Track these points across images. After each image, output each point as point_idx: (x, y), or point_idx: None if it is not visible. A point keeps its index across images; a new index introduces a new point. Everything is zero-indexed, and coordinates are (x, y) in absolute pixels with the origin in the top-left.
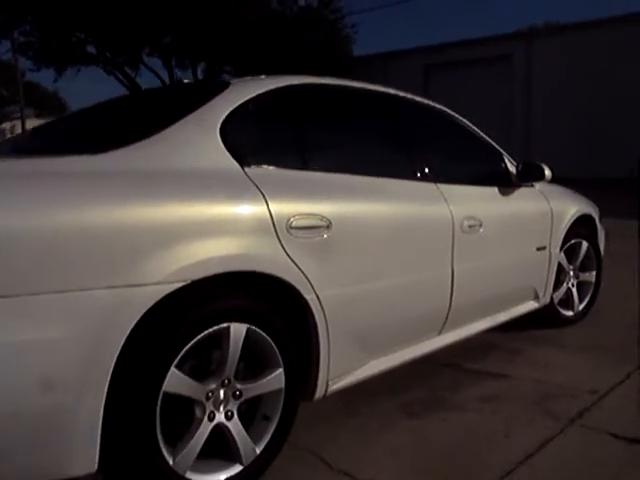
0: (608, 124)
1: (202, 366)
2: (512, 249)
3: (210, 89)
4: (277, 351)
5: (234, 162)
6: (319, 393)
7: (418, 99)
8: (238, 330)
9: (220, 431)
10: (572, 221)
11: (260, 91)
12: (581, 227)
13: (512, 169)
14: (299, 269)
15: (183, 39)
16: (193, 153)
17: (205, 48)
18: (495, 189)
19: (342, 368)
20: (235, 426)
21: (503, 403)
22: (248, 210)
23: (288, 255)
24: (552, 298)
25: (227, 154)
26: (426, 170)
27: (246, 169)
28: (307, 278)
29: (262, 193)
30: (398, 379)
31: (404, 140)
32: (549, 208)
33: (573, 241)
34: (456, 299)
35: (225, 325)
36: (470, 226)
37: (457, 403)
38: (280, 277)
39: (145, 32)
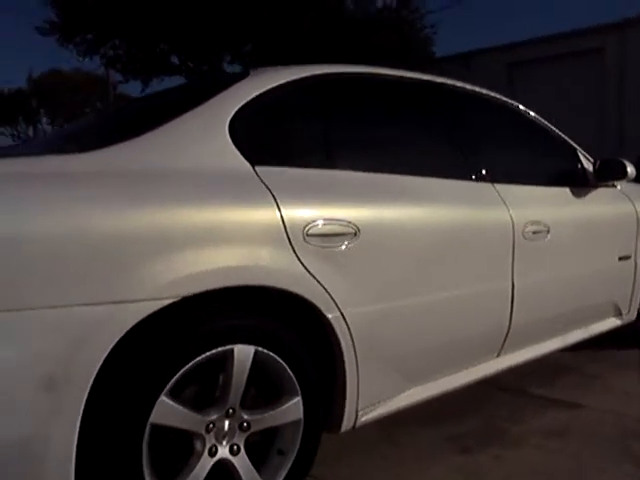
0: None
1: (204, 394)
2: (588, 259)
3: (226, 80)
4: (293, 377)
5: (244, 161)
6: (346, 424)
7: (472, 88)
8: (244, 353)
9: (225, 467)
10: None
11: (279, 82)
12: None
13: (588, 167)
14: (319, 283)
15: (263, 47)
16: (195, 151)
17: (283, 55)
18: (567, 190)
19: (375, 396)
20: (242, 462)
21: (572, 439)
22: (255, 215)
23: (305, 267)
24: (639, 315)
25: (236, 151)
26: (480, 168)
27: (257, 169)
28: (329, 294)
29: (273, 195)
30: (448, 405)
31: (453, 134)
32: (634, 211)
33: None
34: (517, 317)
35: (228, 347)
36: (534, 232)
37: (516, 437)
38: (295, 292)
39: (226, 41)
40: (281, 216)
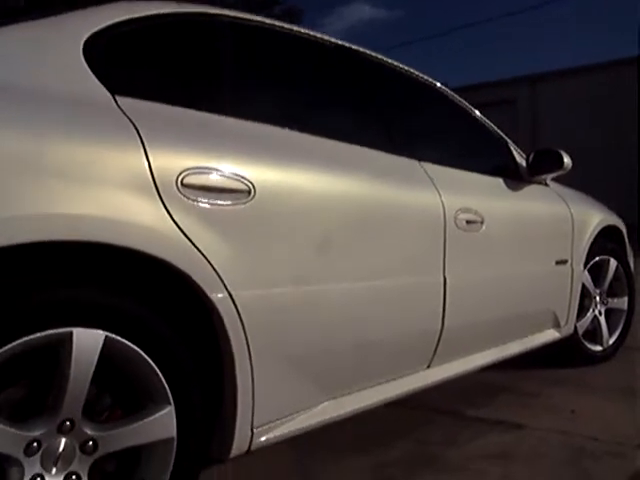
0: None
1: (25, 398)
2: (524, 258)
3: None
4: (162, 378)
5: (101, 87)
6: (238, 447)
7: (405, 68)
8: (87, 339)
9: None
10: (596, 232)
11: (151, 12)
12: (607, 241)
13: (521, 162)
14: (198, 250)
15: None
16: (38, 65)
17: None
18: (500, 181)
19: (276, 409)
20: None
21: (517, 463)
22: (110, 153)
23: (178, 225)
24: (576, 328)
25: (90, 73)
26: (404, 142)
27: (119, 99)
28: (213, 266)
29: (137, 130)
30: (372, 427)
31: (370, 102)
32: (569, 213)
33: (598, 258)
34: (451, 319)
35: (64, 330)
36: (468, 221)
37: (452, 463)
38: (162, 258)
39: None
40: (147, 157)
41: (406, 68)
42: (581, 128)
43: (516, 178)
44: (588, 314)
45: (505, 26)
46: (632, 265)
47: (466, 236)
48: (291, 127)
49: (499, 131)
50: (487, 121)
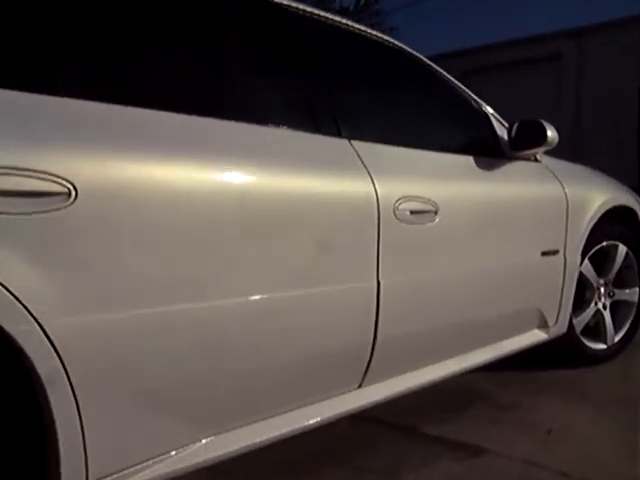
0: None
1: None
2: (497, 251)
3: None
4: None
5: None
6: None
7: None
8: None
9: None
10: (600, 214)
11: None
12: (615, 224)
13: (502, 135)
14: None
15: None
16: None
17: None
18: (470, 159)
19: (126, 457)
20: None
21: None
22: None
23: None
24: (573, 325)
25: None
26: (327, 117)
27: None
28: (7, 289)
29: None
30: (307, 451)
31: (268, 61)
32: (563, 193)
33: (604, 243)
34: (386, 330)
35: None
36: (413, 212)
37: None
38: None
39: None
40: None
41: (335, 18)
42: (632, 85)
43: (495, 155)
44: (590, 308)
45: None
46: None
47: (411, 230)
48: (137, 103)
49: (477, 99)
50: (460, 86)
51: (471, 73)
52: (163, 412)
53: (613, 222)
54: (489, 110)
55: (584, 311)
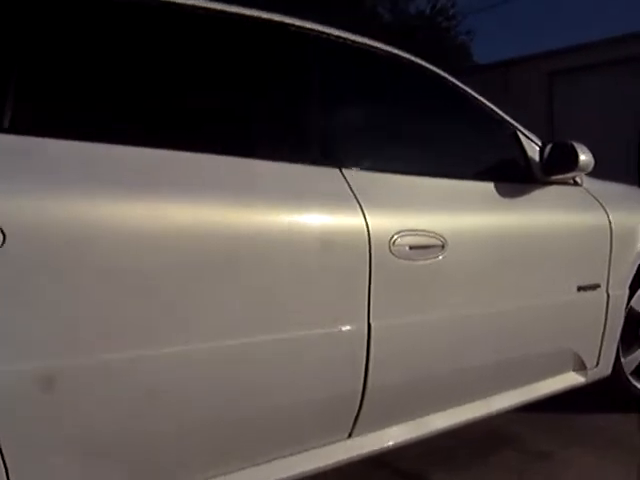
0: None
1: None
2: (520, 288)
3: None
4: None
5: None
6: None
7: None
8: None
9: None
10: None
11: None
12: None
13: (534, 156)
14: None
15: None
16: None
17: None
18: (491, 185)
19: None
20: None
21: None
22: None
23: None
24: (621, 366)
25: None
26: (315, 142)
27: None
28: None
29: None
30: None
31: (244, 81)
32: (606, 220)
33: None
34: (380, 376)
35: None
36: (414, 247)
37: None
38: None
39: None
40: None
41: (322, 28)
42: None
43: (525, 179)
44: None
45: None
46: None
47: (410, 267)
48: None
49: (503, 115)
50: (482, 102)
51: (556, 74)
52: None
53: None
54: (520, 128)
55: (636, 350)
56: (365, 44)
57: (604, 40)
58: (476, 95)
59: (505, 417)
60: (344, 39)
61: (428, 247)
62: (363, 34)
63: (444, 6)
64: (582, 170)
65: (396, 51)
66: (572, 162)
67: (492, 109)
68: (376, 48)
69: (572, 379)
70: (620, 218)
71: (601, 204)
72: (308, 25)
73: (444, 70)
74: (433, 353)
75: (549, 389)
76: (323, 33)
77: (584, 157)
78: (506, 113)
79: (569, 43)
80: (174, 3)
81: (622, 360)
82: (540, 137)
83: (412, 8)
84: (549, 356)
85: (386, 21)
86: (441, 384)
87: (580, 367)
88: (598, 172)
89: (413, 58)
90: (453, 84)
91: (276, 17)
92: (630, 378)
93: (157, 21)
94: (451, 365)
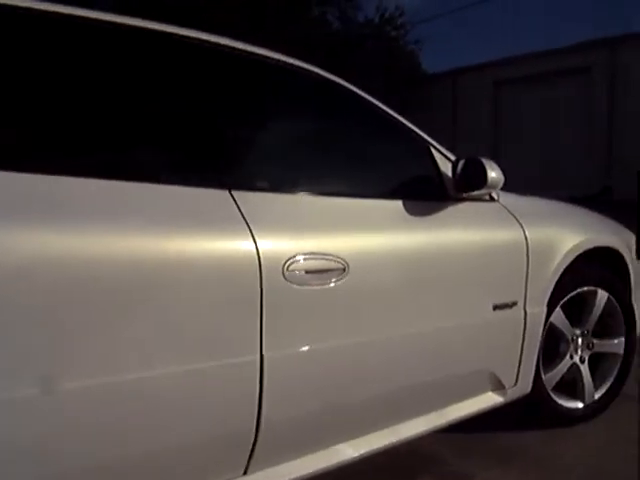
0: None
1: None
2: (429, 310)
3: None
4: None
5: None
6: None
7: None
8: None
9: None
10: (574, 258)
11: None
12: (595, 267)
13: (446, 171)
14: None
15: None
16: None
17: None
18: (399, 203)
19: None
20: None
21: None
22: None
23: None
24: (542, 382)
25: None
26: (199, 163)
27: None
28: None
29: None
30: None
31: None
32: (522, 236)
33: (582, 289)
34: (276, 409)
35: None
36: (311, 272)
37: None
38: None
39: None
40: None
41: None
42: None
43: (437, 196)
44: (562, 363)
45: None
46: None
47: (307, 293)
48: None
49: (416, 130)
50: (391, 115)
51: (502, 84)
52: None
53: (592, 265)
54: (433, 143)
55: (557, 366)
56: (255, 54)
57: (548, 51)
58: (385, 108)
59: (427, 437)
60: (231, 49)
61: (327, 271)
62: (312, 43)
63: (392, 15)
64: (491, 188)
65: (291, 60)
66: (481, 179)
67: (403, 123)
68: (266, 57)
69: (490, 399)
70: (537, 233)
71: (517, 219)
72: (192, 34)
73: (394, 78)
74: (335, 382)
75: (466, 411)
76: (206, 42)
77: (493, 174)
78: (453, 121)
79: (515, 53)
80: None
81: (543, 377)
82: (486, 145)
83: (361, 16)
84: (465, 377)
85: (335, 29)
86: (348, 413)
87: (498, 387)
88: (544, 178)
89: (312, 68)
90: (358, 95)
91: (156, 26)
92: (552, 394)
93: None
94: (358, 393)
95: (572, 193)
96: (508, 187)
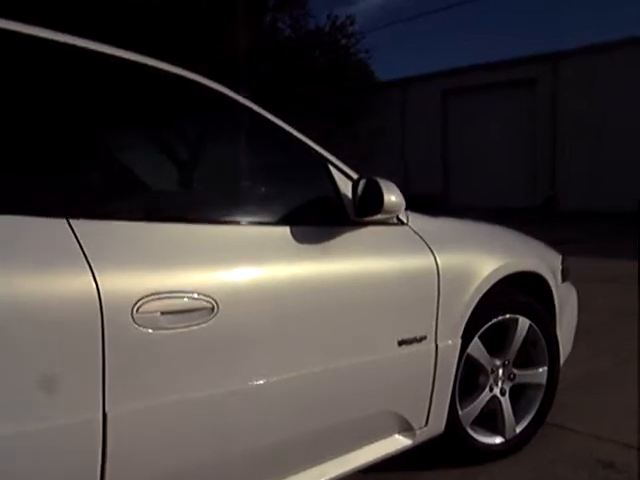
0: None
1: None
2: (322, 349)
3: None
4: None
5: None
6: None
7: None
8: None
9: None
10: (492, 284)
11: None
12: (516, 294)
13: (347, 192)
14: None
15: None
16: None
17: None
18: (287, 230)
19: None
20: None
21: None
22: None
23: None
24: (458, 419)
25: None
26: (31, 186)
27: None
28: None
29: None
30: None
31: None
32: (432, 263)
33: (502, 317)
34: (122, 472)
35: None
36: (167, 313)
37: None
38: None
39: None
40: None
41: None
42: (615, 112)
43: (336, 220)
44: (481, 396)
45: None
46: (567, 320)
47: (162, 337)
48: None
49: (312, 144)
50: (286, 129)
51: (450, 94)
52: None
53: (512, 291)
54: (332, 160)
55: (476, 400)
56: (124, 59)
57: (496, 62)
58: (275, 120)
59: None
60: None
61: (190, 311)
62: (262, 50)
63: (343, 23)
64: (389, 213)
65: (154, 63)
66: (377, 203)
67: (296, 137)
68: (140, 65)
69: (397, 443)
70: (450, 259)
71: (427, 244)
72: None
73: (343, 87)
74: (200, 439)
75: (370, 457)
76: (66, 45)
77: (393, 198)
78: (402, 130)
79: (463, 63)
80: None
81: (460, 412)
82: (433, 155)
83: (312, 24)
84: (365, 421)
85: (286, 36)
86: (218, 472)
87: (406, 428)
88: (492, 186)
89: (192, 76)
90: (243, 106)
91: None
92: (469, 430)
93: None
94: (227, 450)
95: (517, 204)
96: (457, 199)
